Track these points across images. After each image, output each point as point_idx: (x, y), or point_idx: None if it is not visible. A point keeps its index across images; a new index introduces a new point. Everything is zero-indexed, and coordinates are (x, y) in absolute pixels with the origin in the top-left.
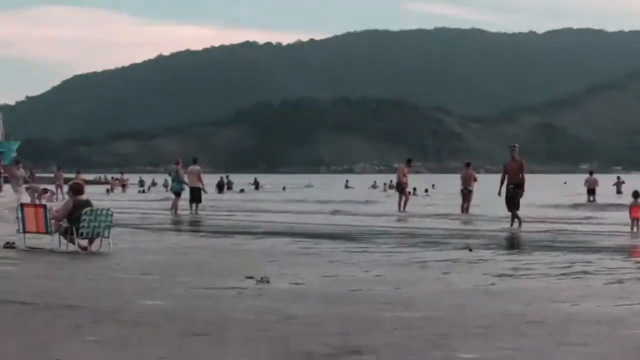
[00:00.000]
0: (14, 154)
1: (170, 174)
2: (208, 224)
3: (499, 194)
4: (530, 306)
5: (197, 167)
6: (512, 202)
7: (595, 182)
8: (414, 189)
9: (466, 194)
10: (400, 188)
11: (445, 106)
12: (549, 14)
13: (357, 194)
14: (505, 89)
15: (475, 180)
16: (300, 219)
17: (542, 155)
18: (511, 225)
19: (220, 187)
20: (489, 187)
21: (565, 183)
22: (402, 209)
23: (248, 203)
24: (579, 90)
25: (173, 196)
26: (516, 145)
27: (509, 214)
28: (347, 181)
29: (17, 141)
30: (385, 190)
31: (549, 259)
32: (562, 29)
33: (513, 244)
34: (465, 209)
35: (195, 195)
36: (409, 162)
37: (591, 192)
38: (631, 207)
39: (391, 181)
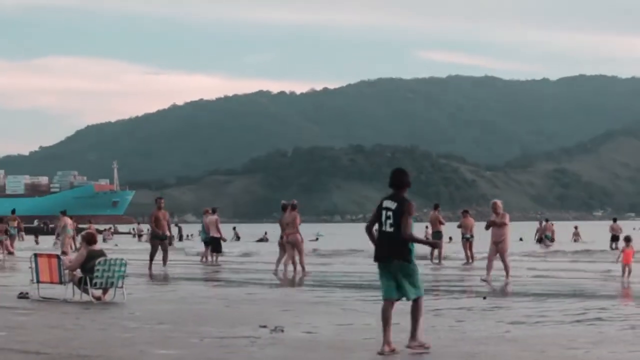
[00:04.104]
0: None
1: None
2: (224, 273)
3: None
4: (544, 353)
5: (214, 217)
6: None
7: (619, 229)
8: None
9: (472, 242)
10: (439, 236)
11: (459, 154)
12: (562, 61)
13: None
14: (519, 136)
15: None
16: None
17: (556, 202)
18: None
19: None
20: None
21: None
22: (440, 260)
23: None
24: (592, 137)
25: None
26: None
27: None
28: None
29: (132, 191)
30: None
31: (564, 306)
32: (576, 76)
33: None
34: (470, 256)
35: (215, 245)
36: (436, 207)
37: (615, 238)
38: (624, 251)
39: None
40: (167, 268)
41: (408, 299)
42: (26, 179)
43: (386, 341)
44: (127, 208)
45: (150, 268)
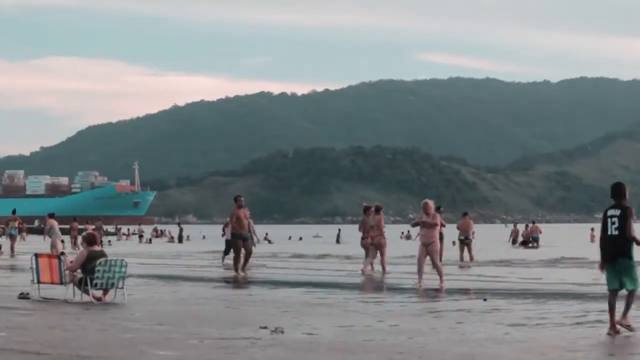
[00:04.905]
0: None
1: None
2: (226, 275)
3: None
4: (544, 355)
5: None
6: None
7: None
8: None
9: (468, 243)
10: (440, 238)
11: (460, 156)
12: (563, 64)
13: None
14: (520, 138)
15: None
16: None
17: (557, 204)
18: None
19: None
20: (498, 236)
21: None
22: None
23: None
24: (593, 139)
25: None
26: None
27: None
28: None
29: (153, 191)
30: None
31: (564, 308)
32: (577, 78)
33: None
34: (470, 257)
35: (227, 247)
36: (438, 209)
37: None
38: None
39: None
40: (247, 272)
41: (627, 290)
42: (47, 180)
43: (611, 325)
44: (148, 208)
45: (236, 270)
